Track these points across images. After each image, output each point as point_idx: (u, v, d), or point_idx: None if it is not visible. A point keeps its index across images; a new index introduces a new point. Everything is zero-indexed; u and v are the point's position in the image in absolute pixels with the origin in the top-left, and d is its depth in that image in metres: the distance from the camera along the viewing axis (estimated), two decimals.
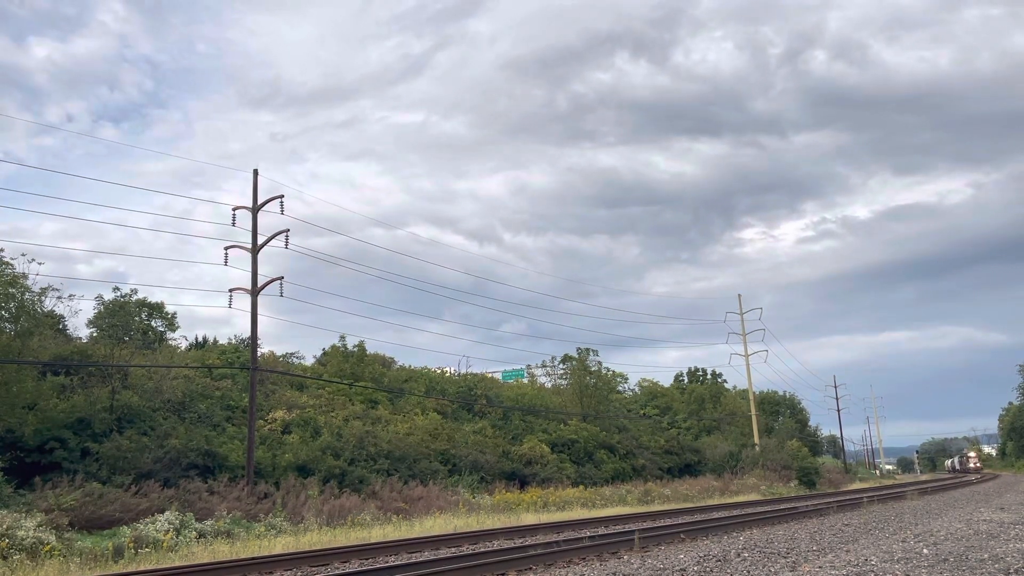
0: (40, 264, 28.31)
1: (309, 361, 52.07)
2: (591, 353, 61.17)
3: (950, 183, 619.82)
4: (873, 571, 11.43)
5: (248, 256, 31.25)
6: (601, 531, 22.68)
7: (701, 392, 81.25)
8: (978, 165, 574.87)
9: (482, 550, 17.98)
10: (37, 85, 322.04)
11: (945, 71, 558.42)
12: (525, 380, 69.93)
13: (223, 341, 48.73)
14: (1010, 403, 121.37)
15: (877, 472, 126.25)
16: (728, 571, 12.43)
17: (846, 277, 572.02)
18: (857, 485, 72.84)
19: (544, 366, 69.49)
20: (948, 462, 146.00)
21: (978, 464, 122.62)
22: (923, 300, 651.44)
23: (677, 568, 12.79)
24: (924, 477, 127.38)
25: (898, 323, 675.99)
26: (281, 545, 20.79)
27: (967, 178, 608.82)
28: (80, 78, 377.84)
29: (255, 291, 30.87)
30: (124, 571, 16.24)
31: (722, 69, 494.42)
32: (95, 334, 36.90)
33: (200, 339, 49.55)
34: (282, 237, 31.46)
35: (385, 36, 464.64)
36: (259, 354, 35.90)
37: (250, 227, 31.46)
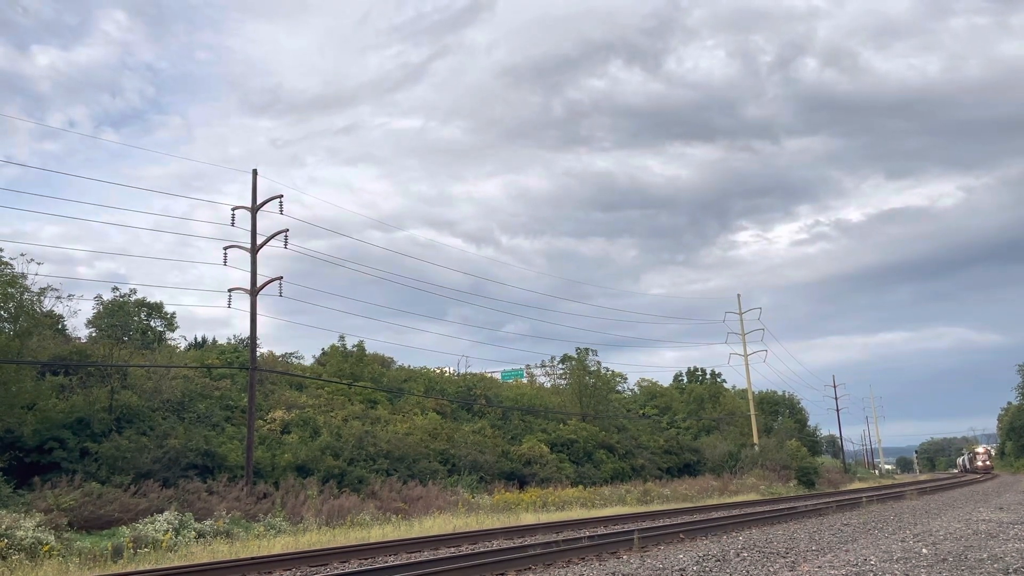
0: (39, 264, 28.31)
1: (308, 361, 52.05)
2: (590, 353, 61.19)
3: (941, 187, 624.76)
4: (872, 571, 11.43)
5: (247, 256, 31.25)
6: (600, 531, 22.69)
7: (700, 392, 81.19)
8: (969, 169, 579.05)
9: (481, 550, 17.99)
10: (40, 92, 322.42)
11: (934, 78, 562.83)
12: (524, 380, 69.92)
13: (222, 341, 48.71)
14: (1009, 403, 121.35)
15: (876, 472, 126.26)
16: (727, 571, 12.44)
17: (841, 279, 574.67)
18: (856, 485, 72.87)
19: (543, 366, 69.52)
20: (959, 460, 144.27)
21: (987, 463, 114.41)
22: (917, 302, 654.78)
23: (676, 568, 12.79)
24: (923, 477, 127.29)
25: (894, 324, 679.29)
26: (280, 545, 20.79)
27: (958, 182, 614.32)
28: (82, 85, 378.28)
29: (254, 291, 30.86)
30: (123, 571, 16.24)
31: (715, 76, 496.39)
32: (94, 334, 36.87)
33: (199, 339, 49.53)
34: (281, 237, 31.46)
35: (384, 45, 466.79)
36: (258, 354, 35.87)
37: (249, 228, 31.47)
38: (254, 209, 31.67)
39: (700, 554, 14.53)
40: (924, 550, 13.68)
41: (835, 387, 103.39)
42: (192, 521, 22.62)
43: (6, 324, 27.78)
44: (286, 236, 31.44)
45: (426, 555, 17.76)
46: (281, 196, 31.82)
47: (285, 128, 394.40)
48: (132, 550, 19.03)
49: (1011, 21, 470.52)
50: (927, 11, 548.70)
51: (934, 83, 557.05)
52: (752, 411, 71.09)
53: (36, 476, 25.61)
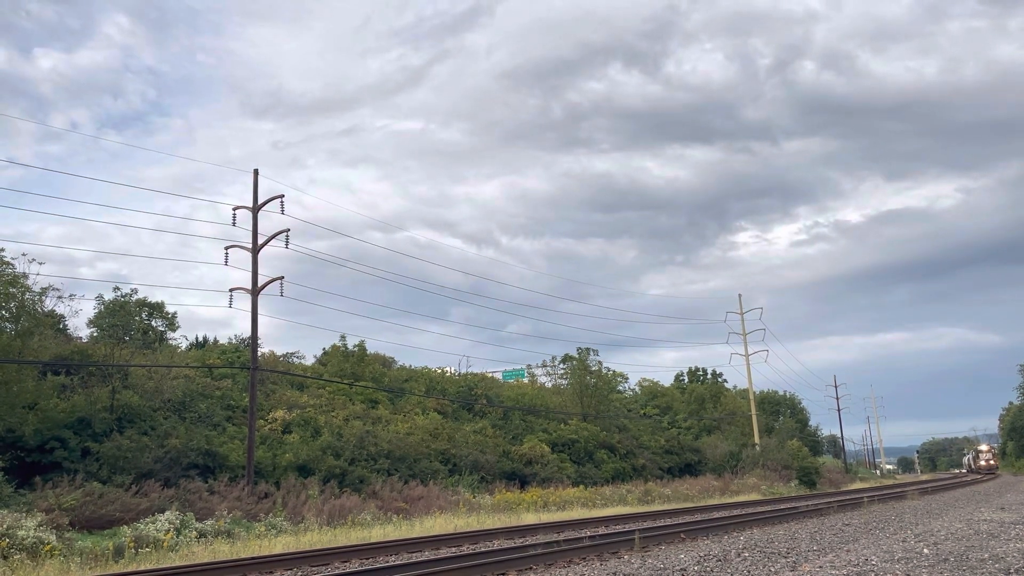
0: (41, 264, 28.31)
1: (309, 361, 52.06)
2: (591, 353, 61.17)
3: (940, 188, 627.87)
4: (873, 571, 11.42)
5: (248, 256, 31.26)
6: (601, 531, 22.68)
7: (701, 392, 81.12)
8: (966, 171, 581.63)
9: (482, 550, 17.98)
10: (42, 94, 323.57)
11: (932, 81, 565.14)
12: (525, 380, 69.90)
13: (223, 341, 48.71)
14: (1010, 403, 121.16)
15: (877, 472, 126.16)
16: (728, 571, 12.43)
17: (840, 279, 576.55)
18: (857, 485, 72.82)
19: (544, 366, 69.49)
20: (965, 459, 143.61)
21: (991, 461, 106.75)
22: (916, 302, 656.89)
23: (677, 568, 12.78)
24: (924, 477, 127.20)
25: (893, 324, 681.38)
26: (281, 545, 20.79)
27: (956, 183, 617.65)
28: (84, 87, 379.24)
29: (255, 291, 30.87)
30: (124, 571, 16.24)
31: (713, 79, 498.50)
32: (95, 334, 36.86)
33: (200, 339, 49.52)
34: (282, 237, 31.45)
35: (385, 49, 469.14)
36: (259, 354, 35.87)
37: (250, 228, 31.47)
38: (255, 209, 31.67)
39: (701, 554, 14.52)
40: (925, 550, 13.67)
41: (836, 387, 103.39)
42: (193, 521, 22.64)
43: (7, 324, 27.79)
44: (287, 236, 31.47)
45: (427, 555, 17.75)
46: (282, 196, 31.83)
47: (286, 130, 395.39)
48: (133, 550, 19.04)
49: (1008, 24, 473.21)
50: (924, 14, 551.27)
51: (932, 85, 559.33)
52: (753, 411, 71.06)
53: (37, 476, 25.63)
